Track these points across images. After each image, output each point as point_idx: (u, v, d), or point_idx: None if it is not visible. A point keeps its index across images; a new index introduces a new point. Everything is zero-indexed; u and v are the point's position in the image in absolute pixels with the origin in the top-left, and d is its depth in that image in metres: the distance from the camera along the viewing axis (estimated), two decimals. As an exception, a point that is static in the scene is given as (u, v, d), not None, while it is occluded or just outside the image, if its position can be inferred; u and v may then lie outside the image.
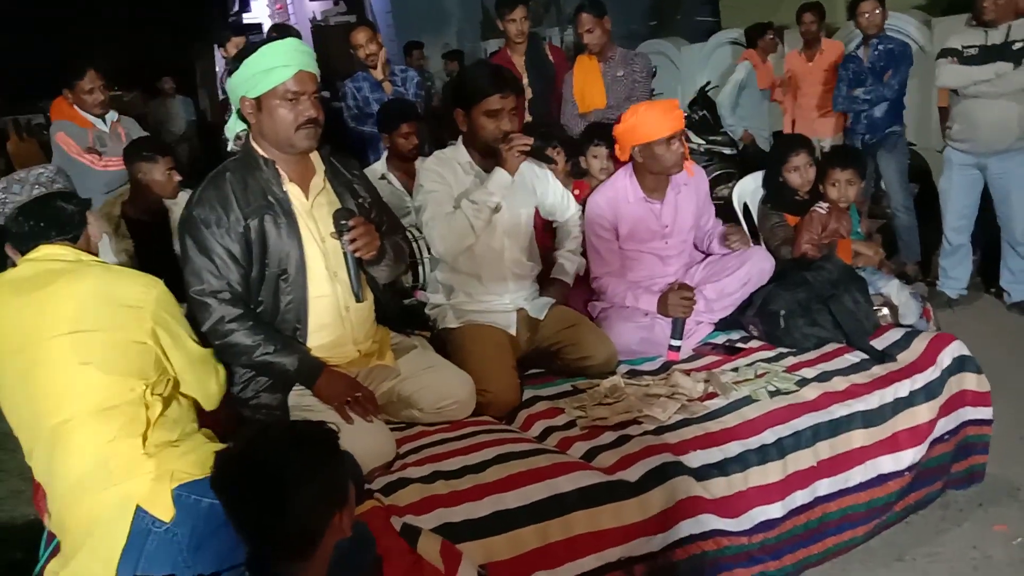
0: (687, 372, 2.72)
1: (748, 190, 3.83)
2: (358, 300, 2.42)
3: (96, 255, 2.06)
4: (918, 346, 2.71)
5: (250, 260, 2.29)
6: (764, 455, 2.30)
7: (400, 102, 4.09)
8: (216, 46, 8.08)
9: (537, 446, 2.33)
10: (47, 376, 1.84)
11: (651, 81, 4.65)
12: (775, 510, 2.29)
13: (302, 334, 2.37)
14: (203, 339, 2.16)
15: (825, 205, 3.38)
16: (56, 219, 1.97)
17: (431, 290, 3.04)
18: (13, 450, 1.90)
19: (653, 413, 2.44)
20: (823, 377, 2.60)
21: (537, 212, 3.07)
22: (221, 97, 7.78)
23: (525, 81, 4.34)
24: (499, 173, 2.69)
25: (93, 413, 1.83)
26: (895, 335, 2.82)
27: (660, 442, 2.28)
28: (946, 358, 2.66)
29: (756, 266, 3.02)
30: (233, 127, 2.50)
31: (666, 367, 2.85)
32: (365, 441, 2.19)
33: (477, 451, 2.26)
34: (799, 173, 3.43)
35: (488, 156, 2.78)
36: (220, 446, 1.95)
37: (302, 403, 2.36)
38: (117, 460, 1.82)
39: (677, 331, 2.92)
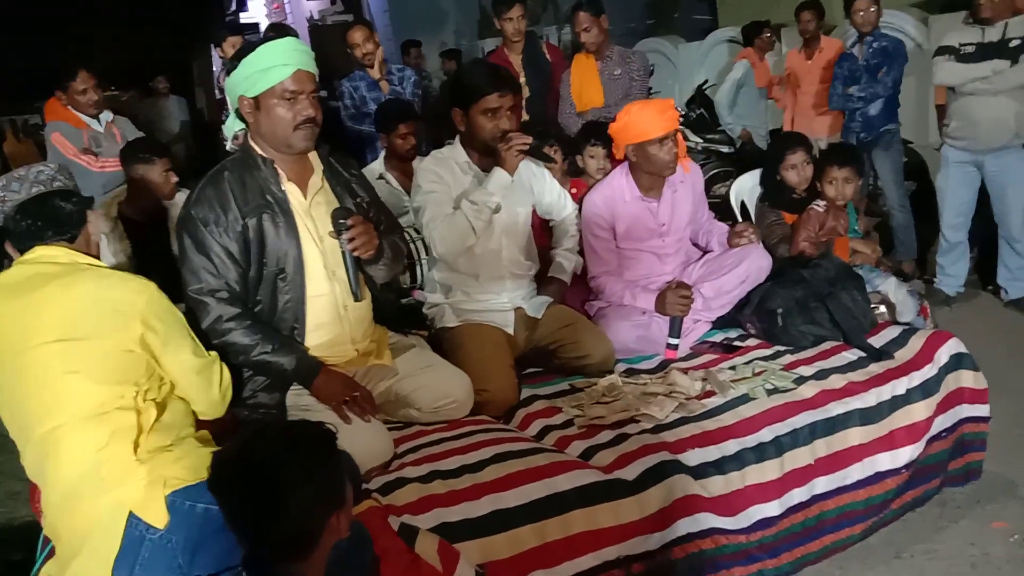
0: (685, 371, 2.72)
1: (745, 188, 3.84)
2: (356, 299, 2.42)
3: (96, 255, 2.04)
4: (915, 344, 2.72)
5: (248, 259, 2.29)
6: (762, 453, 2.30)
7: (398, 102, 4.09)
8: (213, 46, 8.07)
9: (535, 445, 2.33)
10: (35, 384, 1.83)
11: (648, 80, 4.65)
12: (773, 508, 2.29)
13: (300, 333, 2.37)
14: (203, 339, 2.15)
15: (823, 203, 3.39)
16: (54, 218, 1.95)
17: (429, 289, 3.04)
18: (11, 452, 1.90)
19: (651, 412, 2.44)
20: (820, 375, 2.61)
21: (534, 211, 3.07)
22: (218, 97, 7.78)
23: (522, 80, 4.34)
24: (498, 173, 2.69)
25: (83, 420, 1.82)
26: (892, 333, 2.82)
27: (658, 441, 2.29)
28: (943, 355, 2.67)
29: (754, 264, 3.02)
30: (231, 126, 2.49)
31: (664, 366, 2.85)
32: (363, 441, 2.19)
33: (475, 450, 2.26)
34: (796, 171, 3.44)
35: (486, 155, 2.77)
36: (214, 450, 1.94)
37: (300, 403, 2.36)
38: (109, 467, 1.81)
39: (675, 329, 2.92)
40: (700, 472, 2.21)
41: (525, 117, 4.28)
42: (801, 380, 2.57)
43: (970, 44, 4.06)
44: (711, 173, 6.31)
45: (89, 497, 1.80)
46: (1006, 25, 3.97)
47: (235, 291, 2.28)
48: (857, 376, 2.58)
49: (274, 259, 2.31)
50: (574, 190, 3.39)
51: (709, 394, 2.56)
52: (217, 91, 8.03)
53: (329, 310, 2.40)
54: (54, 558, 1.89)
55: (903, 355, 2.68)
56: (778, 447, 2.32)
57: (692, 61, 8.24)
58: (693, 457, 2.24)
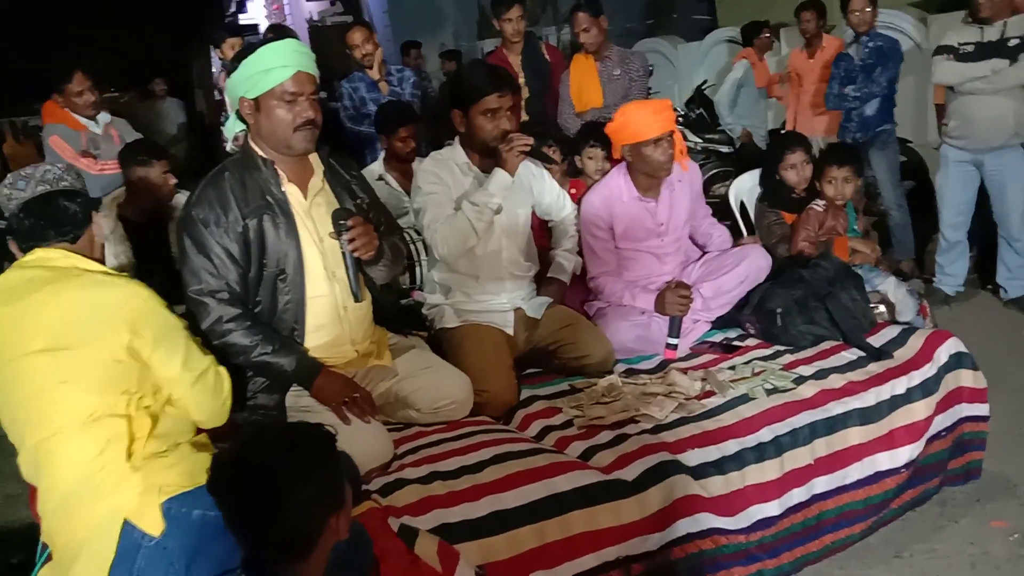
0: (684, 371, 2.72)
1: (745, 188, 3.84)
2: (356, 300, 2.42)
3: (100, 258, 2.01)
4: (915, 343, 2.72)
5: (248, 260, 2.29)
6: (761, 453, 2.30)
7: (398, 104, 4.09)
8: (212, 47, 8.08)
9: (535, 446, 2.33)
10: (27, 393, 1.82)
11: (648, 80, 4.65)
12: (772, 508, 2.30)
13: (300, 334, 2.37)
14: (203, 340, 2.14)
15: (822, 203, 3.39)
16: (56, 218, 1.93)
17: (428, 290, 3.04)
18: (11, 454, 1.90)
19: (650, 412, 2.44)
20: (820, 375, 2.61)
21: (533, 212, 3.07)
22: (217, 98, 7.79)
23: (521, 80, 4.34)
24: (499, 174, 2.69)
25: (76, 429, 1.80)
26: (892, 332, 2.82)
27: (657, 441, 2.29)
28: (943, 355, 2.67)
29: (753, 264, 3.02)
30: (232, 127, 2.50)
31: (663, 366, 2.85)
32: (363, 442, 2.20)
33: (474, 451, 2.26)
34: (796, 171, 3.44)
35: (486, 156, 2.77)
36: (209, 455, 1.93)
37: (299, 404, 2.36)
38: (103, 475, 1.80)
39: (674, 329, 2.92)
40: (700, 472, 2.21)
41: (524, 117, 4.29)
42: (800, 380, 2.58)
43: (969, 43, 4.07)
44: (710, 173, 6.31)
45: (84, 505, 1.79)
46: (1005, 24, 3.97)
47: (235, 292, 2.29)
48: (856, 376, 2.58)
49: (274, 260, 2.31)
50: (573, 190, 3.39)
51: (709, 394, 2.56)
52: (216, 92, 8.04)
53: (329, 311, 2.40)
54: (52, 562, 1.88)
55: (902, 354, 2.68)
56: (778, 447, 2.33)
57: (691, 61, 8.25)
58: (693, 457, 2.24)
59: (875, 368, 2.62)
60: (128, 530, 1.77)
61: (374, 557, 1.73)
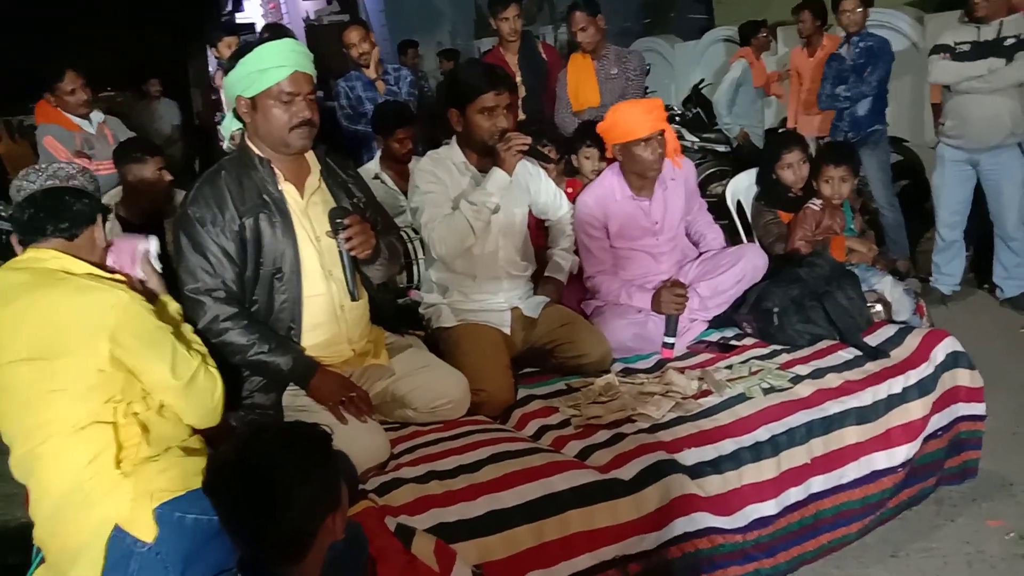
0: (681, 370, 2.72)
1: (742, 187, 3.84)
2: (353, 299, 2.41)
3: (98, 262, 1.98)
4: (911, 342, 2.72)
5: (245, 259, 2.29)
6: (758, 452, 2.30)
7: (396, 105, 4.08)
8: (208, 46, 8.06)
9: (531, 445, 2.33)
10: (13, 402, 1.81)
11: (645, 79, 4.65)
12: (769, 507, 2.30)
13: (296, 333, 2.37)
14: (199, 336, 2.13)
15: (819, 202, 3.39)
16: (55, 211, 1.91)
17: (425, 289, 3.04)
18: (6, 454, 1.89)
19: (647, 411, 2.44)
20: (817, 374, 2.61)
21: (530, 211, 3.07)
22: (213, 97, 7.77)
23: (518, 79, 4.33)
24: (497, 173, 2.68)
25: (64, 438, 1.79)
26: (888, 331, 2.83)
27: (654, 440, 2.29)
28: (939, 354, 2.67)
29: (750, 263, 3.02)
30: (229, 126, 2.50)
31: (660, 365, 2.85)
32: (359, 441, 2.19)
33: (471, 451, 2.26)
34: (792, 170, 3.44)
35: (483, 155, 2.77)
36: (202, 458, 1.91)
37: (296, 403, 2.36)
38: (93, 483, 1.79)
39: (671, 328, 2.92)
40: (697, 471, 2.22)
41: (522, 116, 4.29)
42: (797, 379, 2.58)
43: (965, 43, 4.07)
44: (707, 172, 6.32)
45: (75, 513, 1.79)
46: (1001, 24, 3.98)
47: (232, 291, 2.28)
48: (853, 375, 2.59)
49: (271, 259, 2.31)
50: (570, 190, 3.39)
51: (706, 393, 2.56)
52: (213, 91, 8.02)
53: (326, 310, 2.40)
54: (46, 564, 1.88)
55: (899, 354, 2.69)
56: (774, 446, 2.33)
57: (688, 60, 8.26)
58: (690, 456, 2.24)
59: (872, 367, 2.62)
60: (120, 537, 1.76)
61: (370, 557, 1.73)
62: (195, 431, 2.04)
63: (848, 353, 2.73)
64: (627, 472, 2.16)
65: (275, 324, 2.34)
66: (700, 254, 3.26)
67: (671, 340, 2.92)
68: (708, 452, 2.27)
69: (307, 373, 2.33)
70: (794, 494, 2.35)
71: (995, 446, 2.84)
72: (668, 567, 2.13)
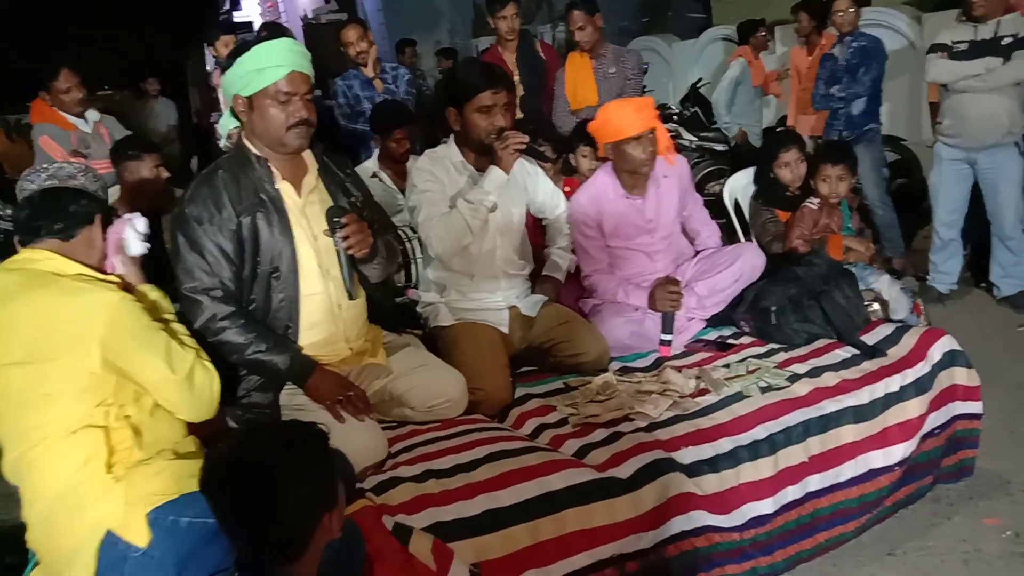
0: (679, 369, 2.72)
1: (739, 186, 3.84)
2: (350, 298, 2.41)
3: (95, 264, 1.97)
4: (908, 341, 2.72)
5: (242, 258, 2.29)
6: (755, 451, 2.30)
7: (394, 104, 4.08)
8: (205, 44, 8.06)
9: (529, 444, 2.33)
10: (5, 404, 1.80)
11: (643, 78, 4.66)
12: (766, 506, 2.30)
13: (294, 332, 2.37)
14: (197, 338, 2.12)
15: (816, 201, 3.40)
16: (52, 211, 1.90)
17: (423, 288, 3.04)
18: (3, 454, 1.89)
19: (645, 410, 2.45)
20: (814, 373, 2.61)
21: (528, 210, 3.07)
22: (213, 96, 7.75)
23: (516, 78, 4.34)
24: (494, 172, 2.68)
25: (56, 442, 1.79)
26: (885, 330, 2.83)
27: (652, 439, 2.29)
28: (936, 353, 2.67)
29: (747, 262, 3.03)
30: (226, 124, 2.50)
31: (658, 364, 2.85)
32: (357, 440, 2.19)
33: (469, 449, 2.26)
34: (790, 169, 3.45)
35: (481, 155, 2.77)
36: (196, 461, 1.88)
37: (293, 402, 2.35)
38: (85, 487, 1.78)
39: (667, 325, 2.92)
40: (694, 470, 2.22)
41: (519, 115, 4.29)
42: (795, 378, 2.58)
43: (963, 42, 4.08)
44: (705, 171, 6.32)
45: (67, 518, 1.78)
46: (998, 23, 3.98)
47: (229, 290, 2.28)
48: (850, 374, 2.59)
49: (268, 258, 2.31)
50: (568, 188, 3.39)
51: (703, 392, 2.56)
52: (210, 89, 8.00)
53: (323, 309, 2.40)
54: (40, 567, 1.88)
55: (896, 352, 2.69)
56: (772, 445, 2.33)
57: (686, 59, 8.26)
58: (687, 455, 2.24)
59: (869, 366, 2.63)
60: (114, 542, 1.76)
61: (368, 555, 1.73)
62: (190, 432, 2.03)
63: (845, 352, 2.73)
64: (624, 471, 2.16)
65: (272, 323, 2.34)
66: (697, 252, 3.26)
67: (668, 337, 2.92)
68: (705, 451, 2.27)
69: (305, 372, 2.33)
70: (791, 492, 2.35)
71: (992, 444, 2.84)
72: (665, 566, 2.13)
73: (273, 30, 4.70)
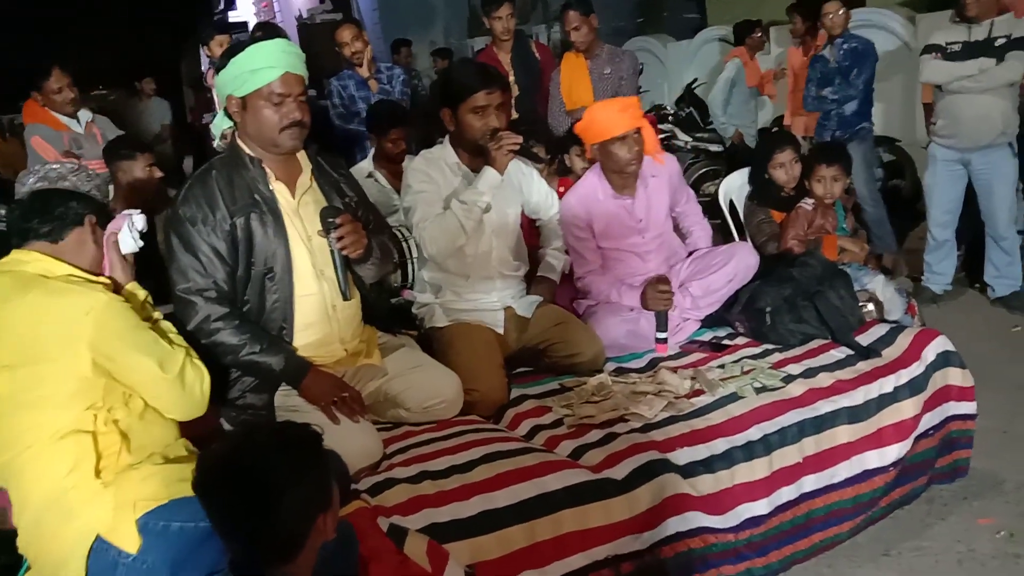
0: (674, 369, 2.72)
1: (734, 187, 3.85)
2: (345, 299, 2.41)
3: (85, 265, 1.94)
4: (903, 342, 2.73)
5: (236, 258, 2.28)
6: (750, 452, 2.30)
7: (390, 105, 4.07)
8: (200, 44, 8.03)
9: (524, 445, 2.33)
10: None
11: (638, 78, 4.66)
12: (761, 507, 2.30)
13: (288, 333, 2.36)
14: (191, 339, 2.11)
15: (811, 201, 3.40)
16: (39, 214, 1.88)
17: (419, 289, 3.03)
18: None
19: (640, 411, 2.45)
20: (808, 373, 2.61)
21: (522, 211, 3.07)
22: (208, 96, 7.74)
23: (511, 79, 4.34)
24: (489, 172, 2.68)
25: (44, 446, 1.77)
26: (880, 331, 2.83)
27: (647, 440, 2.29)
28: (930, 353, 2.68)
29: (742, 262, 3.03)
30: (219, 124, 2.49)
31: (653, 365, 2.85)
32: (352, 441, 2.19)
33: (464, 451, 2.26)
34: (784, 169, 3.45)
35: (476, 155, 2.77)
36: (184, 464, 1.88)
37: (288, 403, 2.35)
38: (74, 493, 1.77)
39: (661, 324, 2.92)
40: (689, 471, 2.22)
41: (514, 115, 4.29)
42: (789, 378, 2.58)
43: (956, 42, 4.09)
44: (700, 172, 6.33)
45: (57, 524, 1.77)
46: (992, 24, 4.00)
47: (223, 290, 2.27)
48: (845, 374, 2.59)
49: (262, 259, 2.30)
50: (562, 189, 3.39)
51: (698, 393, 2.56)
52: (204, 89, 7.98)
53: (317, 310, 2.40)
54: (32, 571, 1.87)
55: (891, 353, 2.69)
56: (767, 445, 2.33)
57: (681, 60, 8.27)
58: (682, 456, 2.24)
59: (863, 367, 2.63)
60: (104, 548, 1.75)
61: (362, 556, 1.73)
62: (182, 432, 2.02)
63: (840, 352, 2.73)
64: (620, 472, 2.16)
65: (267, 324, 2.33)
66: (691, 253, 3.26)
67: (663, 335, 2.92)
68: (700, 451, 2.27)
69: (299, 373, 2.32)
70: (786, 493, 2.35)
71: (986, 445, 2.84)
72: (661, 566, 2.13)
73: (268, 30, 4.71)
